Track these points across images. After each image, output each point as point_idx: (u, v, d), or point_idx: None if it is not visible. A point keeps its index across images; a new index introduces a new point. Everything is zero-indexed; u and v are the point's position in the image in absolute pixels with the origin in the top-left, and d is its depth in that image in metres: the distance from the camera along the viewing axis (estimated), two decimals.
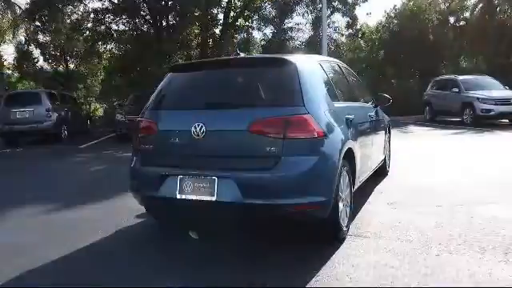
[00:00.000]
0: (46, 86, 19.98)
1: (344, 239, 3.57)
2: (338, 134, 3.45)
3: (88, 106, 20.06)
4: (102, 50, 22.01)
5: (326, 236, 3.54)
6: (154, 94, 3.82)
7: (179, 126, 3.41)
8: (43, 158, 10.24)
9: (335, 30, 26.29)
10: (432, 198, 4.89)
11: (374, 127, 5.08)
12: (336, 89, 4.05)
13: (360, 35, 26.48)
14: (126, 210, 4.74)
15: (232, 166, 3.19)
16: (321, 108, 3.33)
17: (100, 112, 21.34)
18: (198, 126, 3.25)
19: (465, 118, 14.71)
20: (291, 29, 26.54)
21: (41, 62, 25.03)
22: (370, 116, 4.91)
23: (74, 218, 4.67)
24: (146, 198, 3.62)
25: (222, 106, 3.39)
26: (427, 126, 15.10)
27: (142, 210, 4.48)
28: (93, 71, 24.74)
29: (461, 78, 16.00)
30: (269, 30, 26.83)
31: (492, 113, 13.98)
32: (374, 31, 27.08)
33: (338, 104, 3.79)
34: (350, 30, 26.21)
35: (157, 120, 3.55)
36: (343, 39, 27.01)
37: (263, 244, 3.66)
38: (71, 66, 24.55)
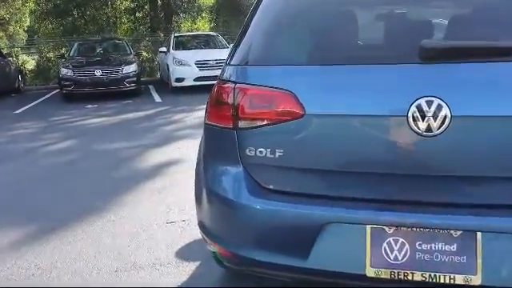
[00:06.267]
0: None
1: None
2: None
3: (15, 59, 16.61)
4: None
5: None
6: (258, 31, 1.68)
7: (368, 105, 1.47)
8: None
9: None
10: None
11: None
12: None
13: None
14: (155, 242, 2.75)
15: None
16: None
17: (31, 65, 17.96)
18: (429, 104, 1.36)
19: None
20: None
21: None
22: None
23: (49, 267, 2.57)
24: (261, 266, 1.60)
25: (484, 56, 1.44)
26: None
27: (188, 238, 2.57)
28: (16, 16, 20.69)
29: None
30: None
31: None
32: None
33: None
34: None
35: (295, 89, 1.51)
36: None
37: None
38: None
